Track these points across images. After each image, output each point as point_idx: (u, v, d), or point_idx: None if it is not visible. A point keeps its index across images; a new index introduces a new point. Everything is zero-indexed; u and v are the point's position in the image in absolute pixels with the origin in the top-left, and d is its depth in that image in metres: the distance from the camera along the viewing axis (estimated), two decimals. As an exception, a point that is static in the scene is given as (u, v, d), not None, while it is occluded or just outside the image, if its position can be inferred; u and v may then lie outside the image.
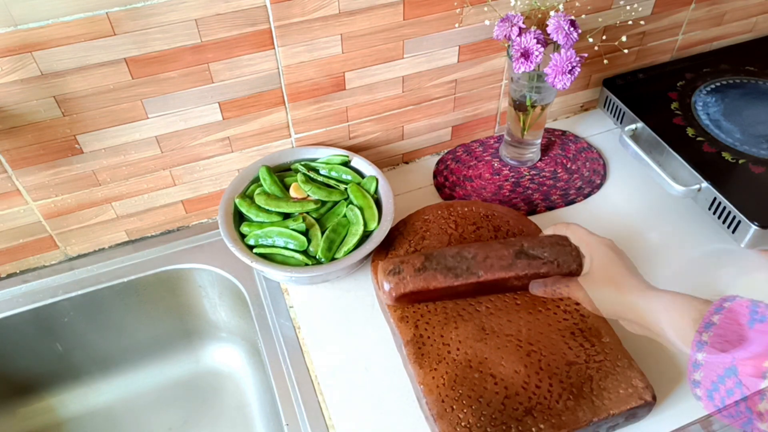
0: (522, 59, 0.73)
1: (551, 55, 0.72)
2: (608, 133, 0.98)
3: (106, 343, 0.88)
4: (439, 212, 0.79)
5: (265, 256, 0.73)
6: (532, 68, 0.74)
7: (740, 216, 0.75)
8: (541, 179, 0.90)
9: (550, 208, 0.86)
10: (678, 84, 0.95)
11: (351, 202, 0.78)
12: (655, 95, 0.93)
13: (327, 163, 0.82)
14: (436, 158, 0.95)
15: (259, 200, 0.77)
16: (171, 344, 0.92)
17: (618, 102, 0.94)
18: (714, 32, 1.01)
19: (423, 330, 0.68)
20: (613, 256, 0.63)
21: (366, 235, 0.75)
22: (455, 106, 0.90)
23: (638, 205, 0.86)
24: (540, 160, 0.93)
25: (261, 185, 0.80)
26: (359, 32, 0.75)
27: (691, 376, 0.49)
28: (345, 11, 0.72)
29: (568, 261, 0.69)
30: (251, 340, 0.89)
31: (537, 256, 0.69)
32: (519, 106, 0.84)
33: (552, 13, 0.72)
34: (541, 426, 0.59)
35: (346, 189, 0.79)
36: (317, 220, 0.77)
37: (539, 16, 0.77)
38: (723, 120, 0.89)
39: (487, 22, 0.81)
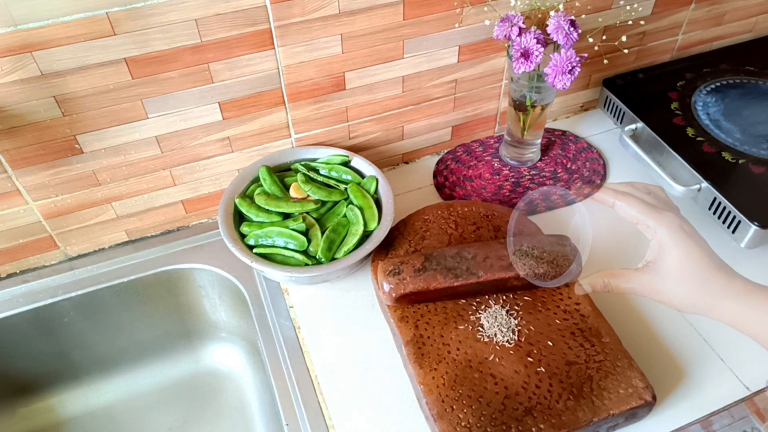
0: (522, 59, 0.73)
1: (551, 55, 0.72)
2: (608, 133, 0.98)
3: (106, 343, 0.88)
4: (439, 212, 0.79)
5: (265, 256, 0.73)
6: (532, 68, 0.74)
7: (740, 216, 0.75)
8: (541, 179, 0.90)
9: (550, 208, 0.86)
10: (678, 84, 0.95)
11: (351, 202, 0.78)
12: (655, 95, 0.94)
13: (327, 163, 0.82)
14: (436, 158, 0.95)
15: (259, 200, 0.77)
16: (171, 344, 0.92)
17: (618, 102, 0.94)
18: (714, 32, 1.01)
19: (423, 330, 0.68)
20: (689, 245, 0.51)
21: (366, 235, 0.75)
22: (455, 106, 0.90)
23: (638, 205, 0.86)
24: (540, 160, 0.93)
25: (261, 185, 0.80)
26: (359, 32, 0.75)
27: None
28: (345, 11, 0.72)
29: (568, 261, 0.69)
30: (251, 340, 0.89)
31: (537, 256, 0.69)
32: (519, 106, 0.84)
33: (552, 13, 0.72)
34: (541, 426, 0.59)
35: (346, 189, 0.79)
36: (317, 220, 0.77)
37: (539, 16, 0.77)
38: (723, 120, 0.89)
39: (487, 22, 0.81)
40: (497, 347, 0.66)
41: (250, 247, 0.74)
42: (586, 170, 0.91)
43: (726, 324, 0.50)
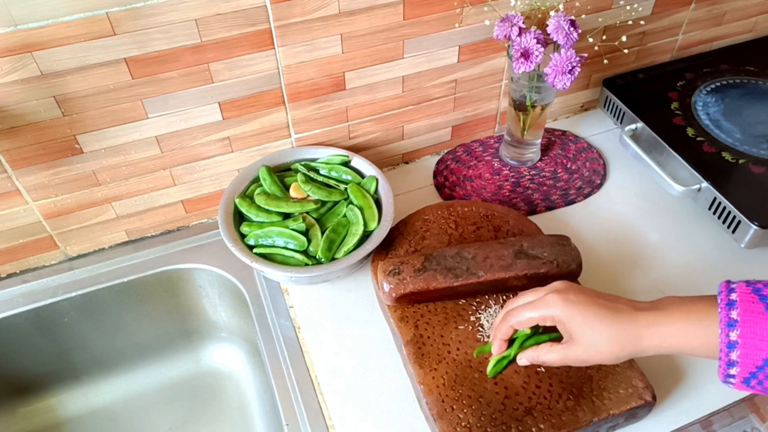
0: (522, 59, 0.73)
1: (551, 55, 0.72)
2: (608, 133, 0.98)
3: (106, 343, 0.88)
4: (439, 212, 0.79)
5: (265, 256, 0.73)
6: (532, 68, 0.74)
7: (740, 216, 0.75)
8: (541, 179, 0.90)
9: (550, 208, 0.86)
10: (678, 84, 0.95)
11: (351, 202, 0.78)
12: (655, 95, 0.94)
13: (327, 163, 0.82)
14: (436, 158, 0.95)
15: (259, 200, 0.77)
16: (171, 344, 0.92)
17: (618, 102, 0.94)
18: (714, 32, 1.01)
19: (423, 330, 0.68)
20: (579, 310, 0.53)
21: (366, 235, 0.75)
22: (455, 106, 0.90)
23: (638, 205, 0.86)
24: (540, 160, 0.93)
25: (261, 185, 0.80)
26: (359, 32, 0.75)
27: (725, 372, 0.48)
28: (345, 11, 0.72)
29: (567, 261, 0.70)
30: (251, 340, 0.89)
31: (537, 256, 0.69)
32: (519, 106, 0.84)
33: (552, 13, 0.72)
34: (541, 426, 0.59)
35: (346, 189, 0.79)
36: (317, 220, 0.77)
37: (539, 16, 0.77)
38: (723, 120, 0.89)
39: (487, 22, 0.81)
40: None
41: (250, 247, 0.74)
42: (586, 170, 0.91)
43: (663, 352, 0.52)
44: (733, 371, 0.47)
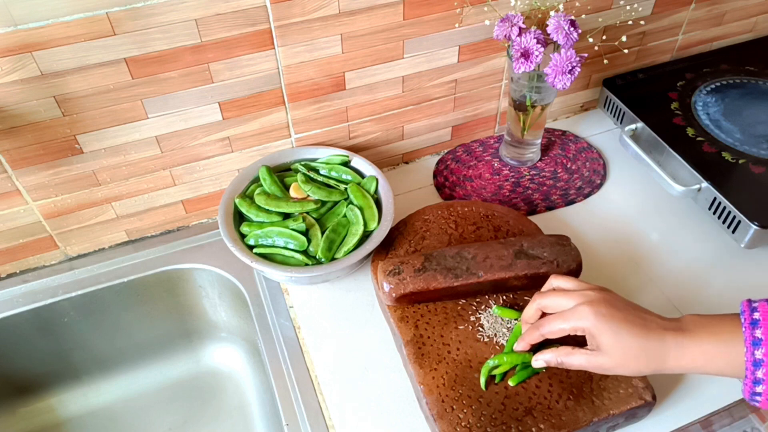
0: (522, 59, 0.73)
1: (551, 55, 0.72)
2: (608, 133, 0.98)
3: (106, 343, 0.88)
4: (439, 212, 0.79)
5: (265, 256, 0.73)
6: (532, 68, 0.74)
7: (740, 216, 0.75)
8: (541, 179, 0.90)
9: (550, 208, 0.86)
10: (678, 84, 0.95)
11: (351, 202, 0.78)
12: (655, 95, 0.94)
13: (327, 163, 0.82)
14: (436, 158, 0.95)
15: (259, 200, 0.77)
16: (171, 344, 0.92)
17: (618, 102, 0.94)
18: (714, 32, 1.01)
19: (423, 330, 0.68)
20: (612, 326, 0.54)
21: (366, 235, 0.75)
22: (455, 106, 0.90)
23: (638, 205, 0.86)
24: (540, 160, 0.93)
25: (261, 185, 0.80)
26: (359, 32, 0.75)
27: (752, 390, 0.49)
28: (345, 11, 0.72)
29: (567, 261, 0.70)
30: (251, 340, 0.89)
31: (537, 256, 0.69)
32: (519, 106, 0.84)
33: (552, 13, 0.72)
34: (541, 426, 0.59)
35: (346, 189, 0.79)
36: (317, 220, 0.77)
37: (539, 16, 0.77)
38: (723, 120, 0.89)
39: (487, 22, 0.81)
40: (497, 347, 0.66)
41: (250, 247, 0.74)
42: (586, 170, 0.91)
43: (686, 372, 0.54)
44: (759, 389, 0.49)
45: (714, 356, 0.51)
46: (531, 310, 0.60)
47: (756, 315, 0.50)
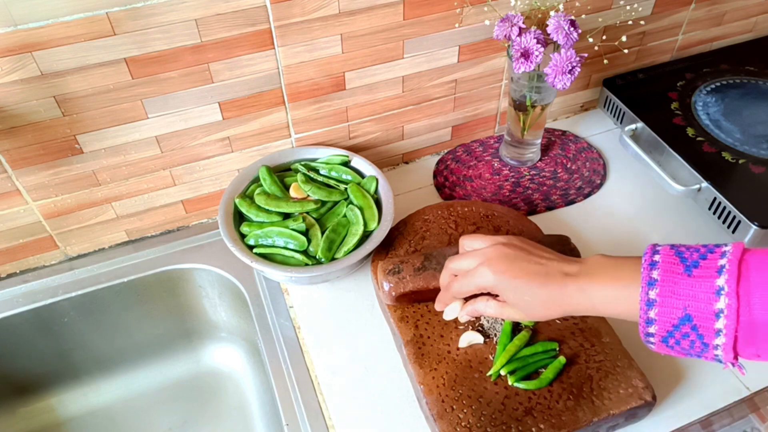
0: (522, 59, 0.73)
1: (551, 55, 0.72)
2: (608, 133, 0.98)
3: (106, 343, 0.88)
4: (439, 212, 0.79)
5: (265, 256, 0.73)
6: (532, 68, 0.74)
7: (740, 216, 0.75)
8: (541, 179, 0.90)
9: (550, 208, 0.86)
10: (678, 84, 0.95)
11: (351, 202, 0.78)
12: (655, 95, 0.93)
13: (327, 163, 0.82)
14: (436, 158, 0.95)
15: (259, 200, 0.77)
16: (171, 344, 0.92)
17: (618, 102, 0.94)
18: (714, 32, 1.01)
19: (423, 330, 0.68)
20: (509, 280, 0.55)
21: (366, 235, 0.75)
22: (455, 106, 0.90)
23: (638, 205, 0.86)
24: (540, 160, 0.93)
25: (261, 185, 0.80)
26: (359, 32, 0.75)
27: (645, 330, 0.50)
28: (345, 11, 0.72)
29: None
30: (251, 340, 0.89)
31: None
32: (519, 106, 0.84)
33: (552, 13, 0.72)
34: (541, 426, 0.59)
35: (346, 189, 0.79)
36: (317, 220, 0.77)
37: (539, 16, 0.77)
38: (723, 120, 0.89)
39: (487, 22, 0.81)
40: (497, 347, 0.66)
41: (250, 247, 0.74)
42: (586, 170, 0.91)
43: (590, 314, 0.54)
44: (651, 329, 0.49)
45: (613, 300, 0.52)
46: (445, 275, 0.62)
47: (656, 257, 0.50)
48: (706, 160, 0.82)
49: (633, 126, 0.89)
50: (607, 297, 0.52)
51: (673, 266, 0.48)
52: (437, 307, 0.64)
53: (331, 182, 0.80)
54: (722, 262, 0.47)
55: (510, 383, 0.62)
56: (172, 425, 0.88)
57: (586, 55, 0.73)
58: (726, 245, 0.48)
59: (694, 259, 0.48)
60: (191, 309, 0.89)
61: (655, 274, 0.49)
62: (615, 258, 0.54)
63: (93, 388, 0.90)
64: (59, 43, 0.63)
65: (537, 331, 0.66)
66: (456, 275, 0.60)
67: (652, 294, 0.48)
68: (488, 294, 0.59)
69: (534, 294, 0.54)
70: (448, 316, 0.64)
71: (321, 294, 0.77)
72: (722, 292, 0.46)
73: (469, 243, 0.62)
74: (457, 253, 0.69)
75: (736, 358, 0.47)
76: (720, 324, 0.46)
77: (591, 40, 0.85)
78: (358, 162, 0.83)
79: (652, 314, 0.48)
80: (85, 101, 0.68)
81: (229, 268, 0.82)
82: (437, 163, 0.94)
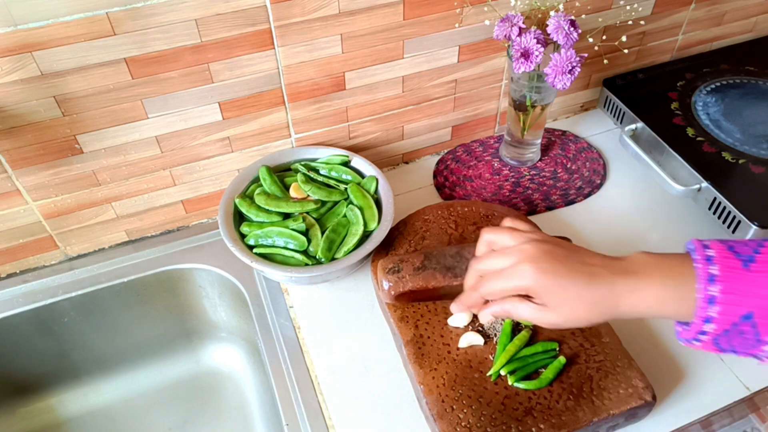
0: (522, 59, 0.73)
1: (551, 55, 0.72)
2: (608, 133, 0.98)
3: (106, 343, 0.88)
4: (439, 212, 0.79)
5: (265, 256, 0.73)
6: (532, 68, 0.74)
7: (740, 216, 0.75)
8: (541, 179, 0.90)
9: (550, 208, 0.86)
10: (678, 84, 0.95)
11: (351, 202, 0.78)
12: (655, 95, 0.93)
13: (327, 163, 0.82)
14: (436, 158, 0.95)
15: (259, 200, 0.77)
16: (171, 344, 0.92)
17: (618, 102, 0.94)
18: (714, 32, 1.01)
19: (423, 330, 0.68)
20: (552, 278, 0.50)
21: (366, 235, 0.75)
22: (455, 106, 0.90)
23: (638, 205, 0.86)
24: (540, 160, 0.93)
25: (261, 185, 0.80)
26: (359, 32, 0.75)
27: (699, 329, 0.46)
28: (345, 11, 0.72)
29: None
30: (251, 340, 0.89)
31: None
32: (519, 106, 0.84)
33: (552, 13, 0.72)
34: (541, 426, 0.59)
35: (346, 189, 0.79)
36: (317, 220, 0.77)
37: (539, 16, 0.77)
38: (723, 120, 0.89)
39: (487, 22, 0.81)
40: (497, 347, 0.66)
41: (250, 247, 0.74)
42: (586, 170, 0.91)
43: (637, 317, 0.50)
44: (707, 328, 0.46)
45: (667, 298, 0.48)
46: (471, 276, 0.55)
47: (710, 252, 0.47)
48: (706, 160, 0.82)
49: (633, 126, 0.89)
50: (660, 295, 0.48)
51: (729, 260, 0.46)
52: (454, 308, 0.56)
53: (331, 182, 0.81)
54: None
55: (510, 383, 0.62)
56: (172, 425, 0.88)
57: (586, 55, 0.73)
58: None
59: (748, 254, 0.46)
60: (191, 309, 0.89)
61: (713, 269, 0.46)
62: (660, 254, 0.50)
63: (93, 388, 0.90)
64: (59, 43, 0.63)
65: (537, 331, 0.66)
66: (483, 276, 0.54)
67: (714, 290, 0.45)
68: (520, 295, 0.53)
69: (580, 295, 0.49)
70: (454, 322, 0.62)
71: (321, 294, 0.77)
72: None
73: (494, 238, 0.55)
74: (457, 252, 0.69)
75: None
76: None
77: (591, 40, 0.85)
78: (358, 162, 0.83)
79: (712, 312, 0.46)
80: (85, 101, 0.68)
81: (229, 268, 0.82)
82: (437, 163, 0.94)
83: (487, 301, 0.54)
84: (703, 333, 0.47)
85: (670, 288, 0.48)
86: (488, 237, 0.55)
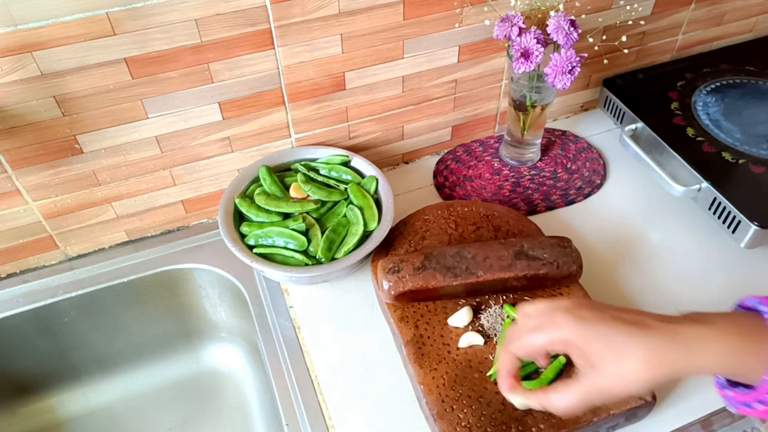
0: (522, 59, 0.73)
1: (551, 55, 0.72)
2: (608, 133, 0.98)
3: (106, 343, 0.88)
4: (439, 212, 0.79)
5: (265, 256, 0.73)
6: (532, 68, 0.73)
7: (740, 216, 0.75)
8: (541, 179, 0.90)
9: (550, 208, 0.86)
10: (678, 84, 0.95)
11: (351, 202, 0.78)
12: (655, 95, 0.93)
13: (327, 163, 0.82)
14: (436, 158, 0.95)
15: (259, 200, 0.77)
16: (171, 344, 0.92)
17: (618, 102, 0.94)
18: (714, 32, 1.01)
19: (423, 330, 0.68)
20: (596, 328, 0.43)
21: (366, 235, 0.75)
22: (455, 106, 0.90)
23: (638, 205, 0.86)
24: (540, 160, 0.93)
25: (261, 185, 0.80)
26: (359, 32, 0.75)
27: (763, 397, 0.41)
28: (345, 11, 0.72)
29: (568, 263, 0.69)
30: (251, 340, 0.89)
31: (537, 257, 0.69)
32: (519, 106, 0.84)
33: (552, 13, 0.72)
34: (541, 426, 0.59)
35: (346, 189, 0.79)
36: (317, 220, 0.77)
37: (539, 16, 0.77)
38: (723, 120, 0.89)
39: (487, 22, 0.81)
40: (497, 347, 0.66)
41: (250, 247, 0.74)
42: (586, 170, 0.91)
43: (705, 374, 0.44)
44: None
45: (744, 351, 0.41)
46: (506, 360, 0.48)
47: None
48: (706, 160, 0.82)
49: (633, 126, 0.89)
50: (736, 347, 0.42)
51: None
52: (501, 386, 0.49)
53: (331, 182, 0.80)
54: None
55: None
56: (172, 425, 0.88)
57: (586, 55, 0.73)
58: None
59: None
60: (191, 309, 0.89)
61: None
62: (713, 313, 0.44)
63: (93, 388, 0.90)
64: (59, 43, 0.63)
65: None
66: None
67: None
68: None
69: (634, 349, 0.41)
70: (454, 322, 0.61)
71: (321, 294, 0.77)
72: None
73: (530, 310, 0.48)
74: (457, 252, 0.69)
75: None
76: None
77: (591, 40, 0.85)
78: (358, 162, 0.83)
79: None
80: (85, 101, 0.68)
81: (229, 268, 0.82)
82: (437, 163, 0.94)
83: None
84: (763, 402, 0.41)
85: (747, 340, 0.42)
86: (524, 309, 0.49)
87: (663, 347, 0.41)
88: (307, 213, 0.77)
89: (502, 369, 0.48)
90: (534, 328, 0.45)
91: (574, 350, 0.43)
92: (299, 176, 0.80)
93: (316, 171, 0.82)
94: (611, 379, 0.42)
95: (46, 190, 0.74)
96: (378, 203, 0.78)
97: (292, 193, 0.79)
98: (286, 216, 0.77)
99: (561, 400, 0.44)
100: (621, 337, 0.41)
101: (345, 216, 0.78)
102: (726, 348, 0.42)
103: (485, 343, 0.66)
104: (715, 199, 0.78)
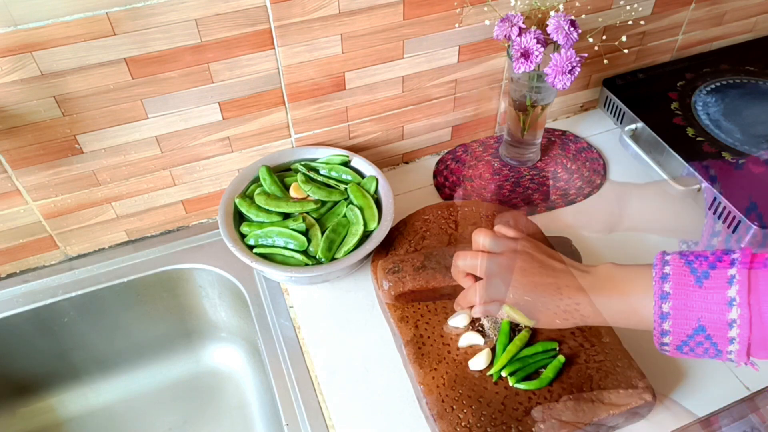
0: (522, 59, 0.73)
1: (551, 55, 0.72)
2: (608, 133, 0.98)
3: (106, 343, 0.88)
4: (439, 212, 0.79)
5: (265, 256, 0.73)
6: (532, 68, 0.73)
7: (740, 216, 0.75)
8: (541, 179, 0.90)
9: (550, 208, 0.86)
10: (678, 84, 0.95)
11: (351, 202, 0.78)
12: (655, 95, 0.94)
13: (327, 163, 0.82)
14: (436, 158, 0.95)
15: (259, 200, 0.77)
16: (171, 344, 0.92)
17: (618, 102, 0.94)
18: (714, 32, 1.01)
19: (423, 330, 0.68)
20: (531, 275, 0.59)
21: (366, 235, 0.75)
22: (455, 106, 0.90)
23: (638, 205, 0.86)
24: (540, 160, 0.93)
25: (261, 185, 0.80)
26: (359, 32, 0.75)
27: (660, 341, 0.51)
28: (345, 11, 0.72)
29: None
30: (251, 340, 0.89)
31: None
32: (519, 106, 0.84)
33: (552, 13, 0.72)
34: (541, 426, 0.59)
35: (346, 189, 0.79)
36: (317, 220, 0.77)
37: (539, 16, 0.77)
38: (723, 120, 0.89)
39: (487, 22, 0.81)
40: (497, 347, 0.66)
41: (250, 247, 0.74)
42: (586, 170, 0.91)
43: (612, 323, 0.56)
44: (666, 339, 0.51)
45: (627, 313, 0.53)
46: (456, 274, 0.65)
47: (666, 269, 0.51)
48: (706, 160, 0.82)
49: (633, 126, 0.90)
50: (621, 311, 0.53)
51: (683, 278, 0.49)
52: (457, 307, 0.66)
53: (331, 182, 0.81)
54: (732, 271, 0.47)
55: (511, 384, 0.62)
56: (172, 425, 0.88)
57: (586, 55, 0.73)
58: (734, 252, 0.49)
59: (704, 269, 0.49)
60: (191, 309, 0.89)
61: (667, 287, 0.50)
62: (625, 267, 0.55)
63: (93, 388, 0.90)
64: (59, 43, 0.63)
65: (537, 331, 0.66)
66: (468, 274, 0.63)
67: (666, 307, 0.49)
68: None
69: (547, 307, 0.56)
70: (454, 322, 0.64)
71: (321, 294, 0.77)
72: (734, 303, 0.47)
73: (481, 240, 0.62)
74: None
75: (748, 358, 0.48)
76: (733, 333, 0.47)
77: (591, 40, 0.85)
78: (358, 162, 0.83)
79: (666, 326, 0.50)
80: (85, 101, 0.68)
81: (229, 268, 0.82)
82: (437, 163, 0.94)
83: None
84: (664, 344, 0.51)
85: (630, 303, 0.53)
86: (476, 237, 0.63)
87: (570, 309, 0.56)
88: (307, 213, 0.77)
89: (462, 304, 0.64)
90: (480, 285, 0.60)
91: (509, 303, 0.59)
92: (299, 176, 0.80)
93: (316, 171, 0.82)
94: (541, 324, 0.59)
95: (46, 190, 0.74)
96: (378, 203, 0.78)
97: (292, 193, 0.79)
98: (286, 216, 0.77)
99: (500, 314, 0.61)
100: (539, 300, 0.57)
101: (345, 216, 0.78)
102: (615, 310, 0.54)
103: (485, 343, 0.66)
104: (715, 199, 0.78)
